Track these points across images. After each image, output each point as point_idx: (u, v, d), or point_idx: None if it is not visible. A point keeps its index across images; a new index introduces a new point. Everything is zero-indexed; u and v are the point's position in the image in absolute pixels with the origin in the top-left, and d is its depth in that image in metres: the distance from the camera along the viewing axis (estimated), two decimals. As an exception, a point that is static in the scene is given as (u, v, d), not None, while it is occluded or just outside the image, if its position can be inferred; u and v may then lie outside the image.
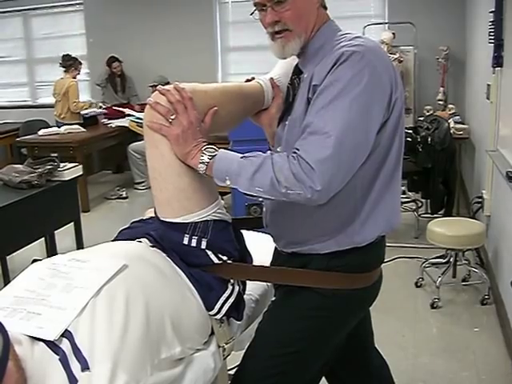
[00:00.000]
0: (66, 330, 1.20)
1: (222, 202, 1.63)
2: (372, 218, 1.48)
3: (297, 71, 1.58)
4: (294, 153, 1.33)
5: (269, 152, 1.40)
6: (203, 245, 1.49)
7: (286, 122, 1.54)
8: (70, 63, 6.57)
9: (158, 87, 1.49)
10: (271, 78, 1.69)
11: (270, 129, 1.70)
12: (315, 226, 1.50)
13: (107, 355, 1.17)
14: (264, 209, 1.65)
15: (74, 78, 6.61)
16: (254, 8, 1.49)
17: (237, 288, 1.55)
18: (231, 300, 1.52)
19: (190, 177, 1.46)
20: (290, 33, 1.46)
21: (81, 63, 6.74)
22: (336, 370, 1.84)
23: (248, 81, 1.71)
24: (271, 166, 1.33)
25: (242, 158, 1.39)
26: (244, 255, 1.61)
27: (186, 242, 1.48)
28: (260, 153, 1.39)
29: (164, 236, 1.53)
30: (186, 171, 1.46)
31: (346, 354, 1.76)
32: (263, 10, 1.46)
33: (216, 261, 1.51)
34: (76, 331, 1.20)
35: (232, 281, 1.55)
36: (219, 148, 1.44)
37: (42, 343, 1.19)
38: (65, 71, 6.57)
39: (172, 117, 1.43)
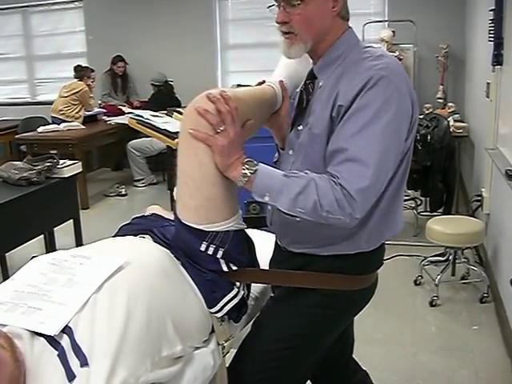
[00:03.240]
0: (67, 325, 1.20)
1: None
2: (379, 228, 1.50)
3: (310, 76, 1.57)
4: (334, 177, 1.34)
5: (309, 172, 1.39)
6: (219, 254, 1.49)
7: (299, 128, 1.54)
8: (82, 73, 6.58)
9: (207, 93, 1.43)
10: (281, 81, 1.67)
11: (279, 132, 1.69)
12: (322, 232, 1.49)
13: (107, 352, 1.17)
14: (269, 207, 1.64)
15: (89, 85, 6.58)
16: (273, 3, 1.47)
17: (242, 292, 1.56)
18: (235, 301, 1.52)
19: (223, 188, 1.45)
20: (295, 36, 1.45)
21: (93, 70, 6.71)
22: (318, 378, 1.87)
23: (259, 84, 1.69)
24: (315, 189, 1.34)
25: (284, 175, 1.39)
26: (253, 264, 1.61)
27: (202, 248, 1.47)
28: (301, 173, 1.39)
29: (178, 236, 1.52)
30: (220, 182, 1.44)
31: (328, 360, 1.79)
32: (278, 7, 1.46)
33: (225, 269, 1.51)
34: (76, 327, 1.20)
35: (238, 284, 1.55)
36: None
37: (42, 338, 1.19)
38: (79, 81, 6.54)
39: (221, 128, 1.41)
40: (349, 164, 1.33)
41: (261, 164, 1.42)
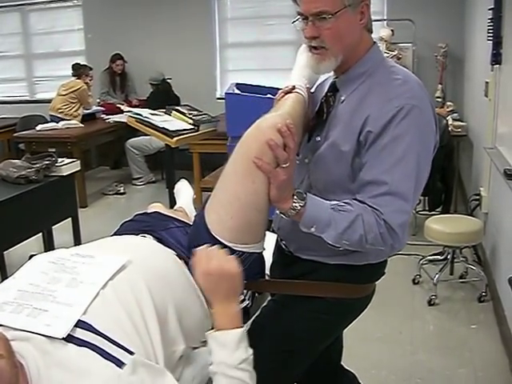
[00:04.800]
0: (81, 320, 1.18)
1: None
2: None
3: (332, 88, 1.56)
4: (376, 211, 1.37)
5: (353, 204, 1.40)
6: None
7: (318, 139, 1.53)
8: (80, 71, 6.57)
9: (278, 126, 1.38)
10: (308, 88, 1.63)
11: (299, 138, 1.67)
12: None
13: (146, 339, 1.20)
14: (277, 211, 1.62)
15: (87, 83, 6.57)
16: (298, 17, 1.46)
17: (247, 302, 1.57)
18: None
19: (265, 214, 1.46)
20: (326, 51, 1.44)
21: (91, 69, 6.70)
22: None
23: (290, 90, 1.61)
24: (362, 224, 1.37)
25: (332, 208, 1.40)
26: (261, 276, 1.61)
27: None
28: (348, 206, 1.39)
29: (197, 241, 1.48)
30: (266, 209, 1.45)
31: (316, 366, 1.78)
32: (305, 22, 1.44)
33: None
34: (93, 321, 1.18)
35: (245, 292, 1.55)
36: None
37: (58, 340, 1.15)
38: (77, 79, 6.53)
39: (286, 165, 1.39)
40: (389, 198, 1.37)
41: (309, 195, 1.42)
